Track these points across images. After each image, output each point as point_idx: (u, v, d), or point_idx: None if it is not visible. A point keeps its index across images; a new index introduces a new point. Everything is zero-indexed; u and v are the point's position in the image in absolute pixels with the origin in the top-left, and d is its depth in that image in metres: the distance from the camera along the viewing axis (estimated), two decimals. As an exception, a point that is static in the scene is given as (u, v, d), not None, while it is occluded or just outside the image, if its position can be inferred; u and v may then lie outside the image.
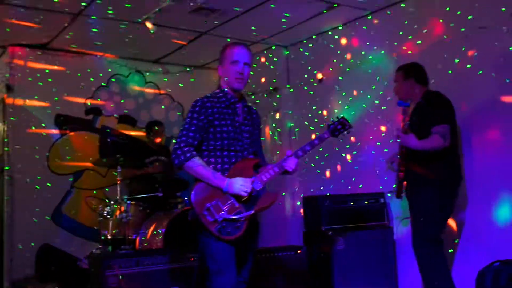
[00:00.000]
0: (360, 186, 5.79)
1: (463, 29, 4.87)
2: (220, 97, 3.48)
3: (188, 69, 7.57)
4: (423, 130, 4.22)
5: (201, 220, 3.24)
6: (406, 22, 5.43)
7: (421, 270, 4.38)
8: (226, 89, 3.50)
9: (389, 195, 5.05)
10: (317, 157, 6.23)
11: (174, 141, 3.32)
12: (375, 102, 5.76)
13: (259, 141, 3.70)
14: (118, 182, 5.53)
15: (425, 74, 4.51)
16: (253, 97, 7.19)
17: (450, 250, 4.79)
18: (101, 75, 7.07)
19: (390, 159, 4.63)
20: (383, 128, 5.66)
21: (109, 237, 5.32)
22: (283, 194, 6.65)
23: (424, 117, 4.30)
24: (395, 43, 5.55)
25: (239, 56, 3.47)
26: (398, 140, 4.30)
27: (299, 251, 5.13)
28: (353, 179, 5.92)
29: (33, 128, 6.55)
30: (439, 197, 4.26)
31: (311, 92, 6.60)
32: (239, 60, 3.45)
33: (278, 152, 6.70)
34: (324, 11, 5.74)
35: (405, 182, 4.43)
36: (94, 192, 6.80)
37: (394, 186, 4.86)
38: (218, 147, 3.40)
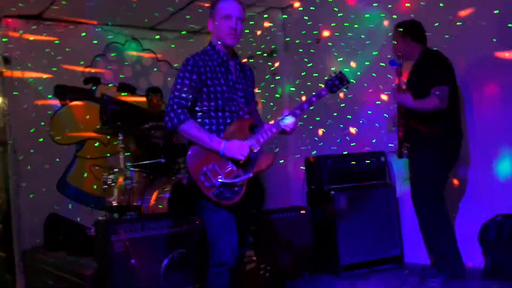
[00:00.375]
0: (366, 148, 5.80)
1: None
2: (212, 55, 3.34)
3: (184, 32, 7.51)
4: (422, 89, 4.21)
5: (198, 185, 3.13)
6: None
7: (422, 228, 4.44)
8: (217, 46, 3.36)
9: (394, 152, 5.01)
10: (317, 118, 6.24)
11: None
12: (374, 60, 5.72)
13: (253, 99, 3.59)
14: (120, 150, 5.55)
15: (423, 31, 4.46)
16: (251, 60, 7.16)
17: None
18: (96, 42, 7.02)
19: (391, 120, 4.64)
20: (381, 87, 5.64)
21: (114, 204, 5.37)
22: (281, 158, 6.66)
23: (423, 76, 4.28)
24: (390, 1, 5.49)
25: (231, 10, 3.32)
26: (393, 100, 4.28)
27: (303, 211, 5.18)
28: (356, 140, 5.94)
29: (33, 99, 6.54)
30: (439, 157, 4.28)
31: (310, 53, 6.55)
32: (232, 14, 3.30)
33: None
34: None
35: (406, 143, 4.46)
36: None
37: (390, 145, 4.91)
38: (212, 108, 3.27)
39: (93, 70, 7.00)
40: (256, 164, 3.25)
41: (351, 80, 3.50)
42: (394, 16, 5.24)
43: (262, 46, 7.09)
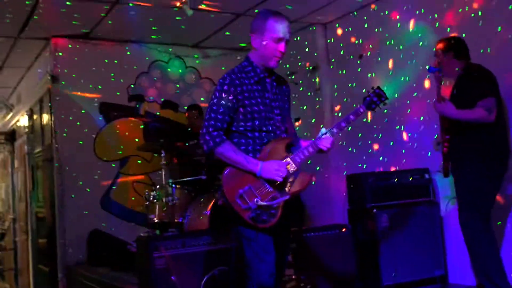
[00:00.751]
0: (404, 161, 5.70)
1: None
2: (248, 72, 3.22)
3: (227, 52, 7.58)
4: (466, 103, 4.10)
5: (234, 207, 3.03)
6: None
7: (469, 247, 4.30)
8: (255, 62, 3.23)
9: (439, 171, 4.85)
10: (360, 134, 6.18)
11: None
12: (416, 76, 5.64)
13: (289, 116, 3.47)
14: (162, 166, 5.60)
15: (466, 47, 4.37)
16: (292, 77, 7.16)
17: (499, 223, 4.67)
18: (140, 60, 7.13)
19: (437, 140, 4.52)
20: (425, 103, 5.54)
21: (156, 220, 5.40)
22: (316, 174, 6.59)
23: (467, 90, 4.18)
24: (436, 15, 5.41)
25: (284, 32, 3.16)
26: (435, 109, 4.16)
27: (344, 230, 5.10)
28: (398, 157, 5.84)
29: (79, 117, 6.68)
30: (486, 171, 4.14)
31: (352, 69, 6.51)
32: (283, 38, 3.16)
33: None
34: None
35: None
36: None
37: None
38: (248, 128, 3.17)
39: (137, 88, 7.11)
40: (293, 185, 3.16)
41: (388, 97, 3.40)
42: (437, 32, 5.18)
43: (302, 63, 7.08)
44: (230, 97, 3.12)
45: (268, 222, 3.06)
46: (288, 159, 3.15)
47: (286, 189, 3.14)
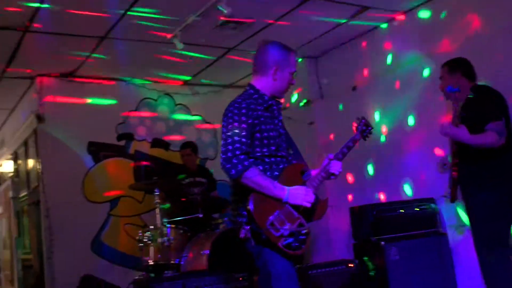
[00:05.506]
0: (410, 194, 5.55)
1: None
2: (256, 99, 3.17)
3: (216, 89, 7.46)
4: (475, 126, 3.96)
5: (265, 236, 2.94)
6: (442, 17, 5.23)
7: (485, 279, 4.09)
8: (262, 90, 3.21)
9: (444, 197, 4.72)
10: (357, 164, 6.03)
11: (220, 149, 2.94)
12: (414, 104, 5.55)
13: (293, 141, 3.42)
14: (156, 206, 5.37)
15: (472, 68, 4.27)
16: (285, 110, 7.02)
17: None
18: (130, 100, 6.98)
19: (442, 161, 4.37)
20: (424, 131, 5.43)
21: (151, 263, 5.15)
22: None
23: (475, 112, 4.04)
24: (431, 43, 5.35)
25: (297, 66, 3.31)
26: (446, 131, 4.01)
27: (350, 265, 4.89)
28: (399, 187, 5.69)
29: (67, 157, 6.45)
30: (500, 197, 3.96)
31: (346, 100, 6.41)
32: (296, 71, 3.28)
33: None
34: (354, 15, 5.59)
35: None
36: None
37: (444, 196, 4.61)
38: (265, 153, 3.12)
39: (126, 128, 6.91)
40: (316, 212, 3.12)
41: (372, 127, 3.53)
42: (434, 60, 5.10)
43: (296, 96, 6.99)
44: (249, 121, 3.06)
45: (299, 248, 3.00)
46: (309, 185, 3.13)
47: (308, 215, 3.08)
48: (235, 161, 2.97)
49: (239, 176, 2.96)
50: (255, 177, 2.98)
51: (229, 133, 3.03)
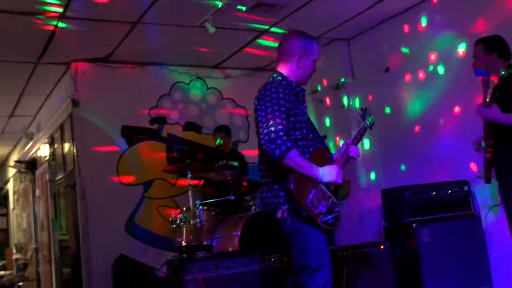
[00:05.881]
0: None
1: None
2: (286, 85, 3.27)
3: (248, 72, 7.47)
4: (507, 107, 3.90)
5: (306, 213, 3.08)
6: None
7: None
8: (289, 77, 3.34)
9: (479, 177, 4.65)
10: (392, 148, 5.99)
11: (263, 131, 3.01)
12: (447, 86, 5.47)
13: (315, 127, 3.58)
14: (189, 188, 5.43)
15: (508, 47, 4.18)
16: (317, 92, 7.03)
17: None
18: (162, 82, 7.04)
19: (477, 141, 4.30)
20: (459, 113, 5.35)
21: (183, 244, 5.23)
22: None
23: (509, 93, 3.98)
24: (464, 23, 5.25)
25: (319, 55, 3.43)
26: (479, 114, 3.97)
27: (382, 247, 4.88)
28: (432, 170, 5.63)
29: (101, 141, 6.57)
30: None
31: (379, 83, 6.35)
32: (318, 59, 3.41)
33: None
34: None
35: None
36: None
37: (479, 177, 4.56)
38: (298, 137, 3.23)
39: (159, 111, 6.98)
40: (343, 190, 3.32)
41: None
42: (468, 40, 5.01)
43: (327, 79, 6.95)
44: (286, 105, 3.15)
45: (335, 225, 3.19)
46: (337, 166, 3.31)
47: (337, 193, 3.24)
48: (279, 141, 3.04)
49: (283, 156, 3.05)
50: (296, 157, 3.07)
51: (269, 116, 3.10)
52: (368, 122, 3.69)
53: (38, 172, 9.23)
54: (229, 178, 5.57)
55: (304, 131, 3.26)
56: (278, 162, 3.08)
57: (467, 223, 4.95)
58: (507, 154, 3.98)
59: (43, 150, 8.54)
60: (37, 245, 9.52)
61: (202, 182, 6.36)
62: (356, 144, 3.48)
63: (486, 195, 4.97)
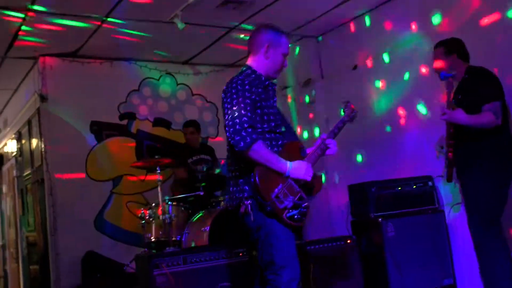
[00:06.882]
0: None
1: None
2: (253, 79, 3.25)
3: (218, 68, 7.48)
4: (471, 107, 4.01)
5: (270, 207, 3.06)
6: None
7: (478, 254, 4.17)
8: (258, 71, 3.32)
9: (441, 176, 4.77)
10: (356, 143, 6.08)
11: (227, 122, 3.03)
12: (412, 84, 5.58)
13: (287, 120, 3.63)
14: (159, 183, 5.43)
15: (466, 49, 4.30)
16: (287, 91, 7.07)
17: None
18: (131, 78, 7.01)
19: (439, 143, 4.42)
20: (424, 111, 5.47)
21: (153, 239, 5.24)
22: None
23: (472, 93, 4.09)
24: (430, 22, 5.36)
25: (289, 49, 3.42)
26: (443, 117, 4.06)
27: (348, 241, 4.96)
28: (396, 166, 5.74)
29: (70, 136, 6.52)
30: (494, 176, 4.03)
31: (346, 80, 6.43)
32: (288, 54, 3.40)
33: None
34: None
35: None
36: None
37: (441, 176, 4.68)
38: (266, 129, 3.21)
39: (128, 106, 6.96)
40: (314, 187, 3.25)
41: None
42: (434, 39, 5.11)
43: (296, 76, 7.02)
44: (252, 97, 3.15)
45: (301, 221, 3.13)
46: (308, 160, 3.26)
47: (308, 190, 3.21)
48: (244, 133, 3.03)
49: (247, 148, 3.03)
50: (262, 150, 3.06)
51: (235, 108, 3.10)
52: (348, 116, 3.58)
53: (4, 168, 9.11)
54: (203, 171, 5.59)
55: (273, 124, 3.24)
56: (244, 154, 3.06)
57: (431, 217, 5.05)
58: (468, 156, 4.10)
59: (10, 146, 8.43)
60: (3, 242, 9.39)
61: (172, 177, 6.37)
62: (333, 138, 3.42)
63: (448, 193, 5.09)
